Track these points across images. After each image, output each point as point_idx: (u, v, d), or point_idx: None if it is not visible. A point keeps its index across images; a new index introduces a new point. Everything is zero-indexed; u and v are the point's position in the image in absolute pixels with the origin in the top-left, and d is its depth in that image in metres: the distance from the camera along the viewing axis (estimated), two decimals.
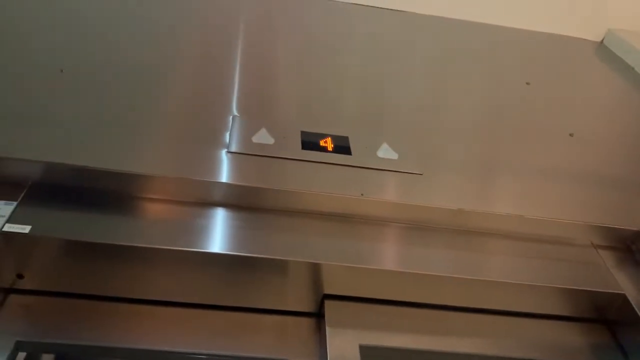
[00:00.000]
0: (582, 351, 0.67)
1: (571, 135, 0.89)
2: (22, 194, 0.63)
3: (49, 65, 0.79)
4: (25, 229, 0.59)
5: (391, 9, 1.23)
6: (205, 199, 0.66)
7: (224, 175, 0.66)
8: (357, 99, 0.90)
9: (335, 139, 0.75)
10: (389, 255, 0.66)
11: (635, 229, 0.72)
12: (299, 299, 0.66)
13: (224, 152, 0.69)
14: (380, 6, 1.22)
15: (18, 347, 0.57)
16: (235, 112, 0.78)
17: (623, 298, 0.67)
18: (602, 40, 1.30)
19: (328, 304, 0.65)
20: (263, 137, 0.73)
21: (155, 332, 0.63)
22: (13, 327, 0.59)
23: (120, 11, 1.00)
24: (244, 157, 0.69)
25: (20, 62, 0.79)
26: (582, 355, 0.67)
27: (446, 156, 0.79)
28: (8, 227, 0.58)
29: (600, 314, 0.69)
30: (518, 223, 0.70)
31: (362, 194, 0.67)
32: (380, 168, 0.72)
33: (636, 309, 0.65)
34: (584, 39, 1.30)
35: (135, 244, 0.60)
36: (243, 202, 0.66)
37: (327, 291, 0.65)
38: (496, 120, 0.92)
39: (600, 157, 0.87)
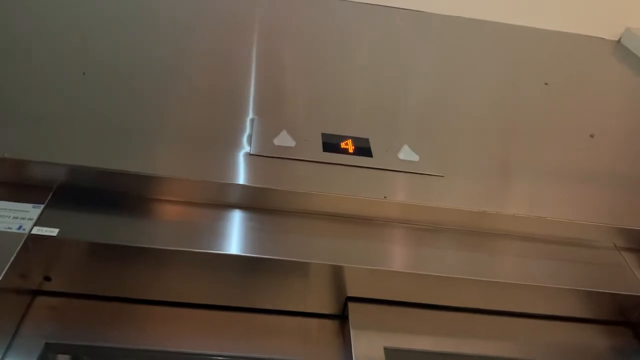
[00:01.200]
0: (606, 353, 0.67)
1: (592, 136, 0.88)
2: (49, 197, 0.63)
3: (71, 68, 0.80)
4: (54, 231, 0.59)
5: (408, 9, 1.23)
6: (230, 202, 0.66)
7: (248, 178, 0.66)
8: (376, 100, 0.90)
9: (356, 141, 0.76)
10: (412, 258, 0.66)
11: None
12: (323, 301, 0.66)
13: (246, 154, 0.70)
14: (397, 6, 1.22)
15: (48, 348, 0.58)
16: (252, 115, 0.78)
17: None
18: (620, 39, 1.29)
19: (352, 306, 0.65)
20: (284, 139, 0.74)
21: (179, 334, 0.63)
22: (42, 329, 0.60)
23: (138, 14, 1.01)
24: (266, 159, 0.70)
25: (43, 66, 0.80)
26: (606, 358, 0.67)
27: (467, 158, 0.79)
28: (37, 230, 0.59)
29: (624, 316, 0.69)
30: (540, 225, 0.70)
31: (385, 197, 0.67)
32: (402, 170, 0.72)
33: None
34: (602, 38, 1.29)
35: (162, 247, 0.60)
36: (267, 205, 0.67)
37: (351, 293, 0.65)
38: (516, 121, 0.91)
39: (622, 158, 0.86)
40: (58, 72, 0.79)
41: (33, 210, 0.61)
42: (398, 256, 0.66)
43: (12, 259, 0.56)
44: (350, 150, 0.74)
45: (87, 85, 0.77)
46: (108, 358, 0.62)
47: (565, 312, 0.69)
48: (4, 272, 0.55)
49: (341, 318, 0.67)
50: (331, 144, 0.74)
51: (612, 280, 0.68)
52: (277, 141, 0.73)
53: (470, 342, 0.65)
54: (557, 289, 0.66)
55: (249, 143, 0.72)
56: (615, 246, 0.72)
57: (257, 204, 0.67)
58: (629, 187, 0.79)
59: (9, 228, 0.59)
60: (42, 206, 0.62)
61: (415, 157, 0.75)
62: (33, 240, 0.59)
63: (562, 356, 0.66)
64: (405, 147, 0.76)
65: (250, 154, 0.70)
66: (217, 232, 0.63)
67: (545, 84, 1.03)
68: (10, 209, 0.61)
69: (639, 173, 0.83)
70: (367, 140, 0.76)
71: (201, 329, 0.64)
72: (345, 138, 0.76)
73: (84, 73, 0.79)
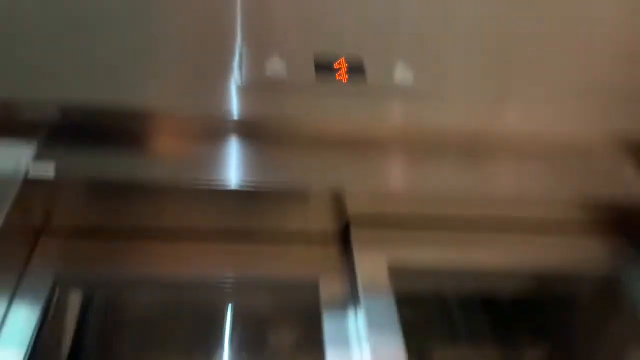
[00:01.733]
0: (603, 263, 0.69)
1: (588, 46, 0.86)
2: (42, 137, 0.62)
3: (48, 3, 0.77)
4: (50, 170, 0.59)
5: None
6: (225, 134, 0.66)
7: (242, 108, 0.65)
8: (369, 18, 0.86)
9: (349, 61, 0.73)
10: (411, 179, 0.66)
11: None
12: (324, 225, 0.67)
13: (236, 84, 0.68)
14: None
15: (56, 284, 0.59)
16: (240, 40, 0.75)
17: None
18: None
19: (354, 229, 0.65)
20: (275, 65, 0.71)
21: (183, 265, 0.64)
22: (49, 266, 0.61)
23: None
24: (258, 87, 0.68)
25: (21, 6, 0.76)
26: (604, 267, 0.69)
27: (463, 76, 0.76)
28: (33, 170, 0.58)
29: (623, 226, 0.70)
30: (539, 138, 0.70)
31: (381, 119, 0.66)
32: (397, 91, 0.71)
33: None
34: None
35: (160, 179, 0.60)
36: (263, 134, 0.66)
37: (352, 217, 0.66)
38: (512, 36, 0.88)
39: (620, 66, 0.84)
40: (37, 10, 0.75)
41: (27, 151, 0.60)
42: (397, 178, 0.66)
43: (11, 200, 0.56)
44: (344, 73, 0.72)
45: (69, 20, 0.74)
46: (117, 289, 0.63)
47: (565, 223, 0.69)
48: (5, 213, 0.55)
49: (344, 241, 0.68)
50: (324, 67, 0.72)
51: (613, 188, 0.68)
52: (267, 67, 0.71)
53: (472, 257, 0.66)
54: (558, 200, 0.66)
55: (240, 72, 0.70)
56: (614, 153, 0.72)
57: (252, 133, 0.66)
58: (628, 95, 0.77)
59: (4, 169, 0.58)
60: (36, 146, 0.61)
61: (410, 77, 0.73)
62: (30, 180, 0.58)
63: (562, 266, 0.67)
64: (400, 67, 0.74)
65: (240, 84, 0.68)
66: (215, 163, 0.63)
67: None
68: (4, 151, 0.60)
69: (636, 79, 0.81)
70: (360, 60, 0.74)
71: (205, 258, 0.65)
72: (338, 57, 0.74)
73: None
